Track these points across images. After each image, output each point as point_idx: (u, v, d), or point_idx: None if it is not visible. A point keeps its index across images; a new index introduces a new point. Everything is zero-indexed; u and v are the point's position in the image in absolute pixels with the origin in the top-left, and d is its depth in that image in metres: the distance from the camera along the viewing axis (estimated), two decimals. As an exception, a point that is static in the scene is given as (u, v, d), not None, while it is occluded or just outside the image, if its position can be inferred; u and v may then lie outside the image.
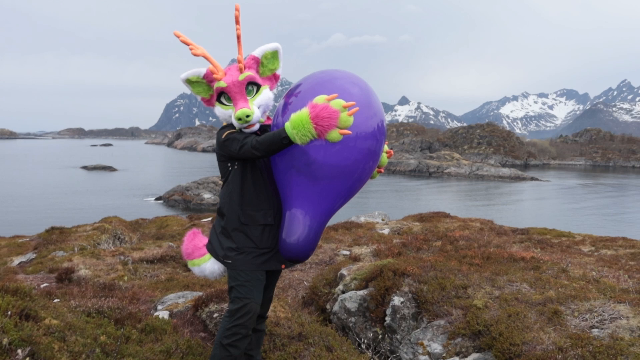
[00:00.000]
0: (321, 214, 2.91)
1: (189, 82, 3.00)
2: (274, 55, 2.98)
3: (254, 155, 2.76)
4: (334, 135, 2.57)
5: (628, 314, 3.77)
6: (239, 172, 2.94)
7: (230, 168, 2.96)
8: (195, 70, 2.96)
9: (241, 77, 2.86)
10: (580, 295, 4.25)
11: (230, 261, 2.95)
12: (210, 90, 2.99)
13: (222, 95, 2.92)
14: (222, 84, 2.87)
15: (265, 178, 2.98)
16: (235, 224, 2.95)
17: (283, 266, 3.06)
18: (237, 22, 2.82)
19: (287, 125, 2.60)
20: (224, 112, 2.94)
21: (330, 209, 2.93)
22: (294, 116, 2.58)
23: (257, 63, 2.94)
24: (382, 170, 3.21)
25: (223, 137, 2.90)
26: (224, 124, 3.01)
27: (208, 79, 2.95)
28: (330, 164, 2.76)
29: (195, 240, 3.20)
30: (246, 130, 2.89)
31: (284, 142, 2.64)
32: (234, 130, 2.91)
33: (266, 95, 2.94)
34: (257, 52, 2.95)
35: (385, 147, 3.16)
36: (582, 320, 3.82)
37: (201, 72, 2.95)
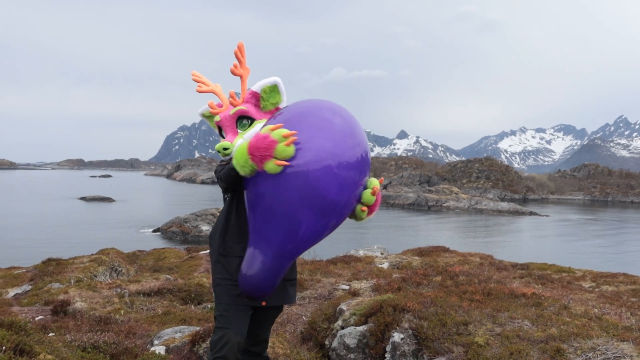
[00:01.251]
0: (277, 250, 2.75)
1: (204, 116, 3.15)
2: (274, 89, 2.98)
3: (221, 186, 2.89)
4: (270, 166, 2.54)
5: (632, 353, 3.72)
6: (228, 204, 3.00)
7: (225, 198, 3.05)
8: (206, 106, 3.09)
9: (232, 111, 2.93)
10: (582, 333, 4.20)
11: (214, 290, 2.98)
12: None
13: (221, 129, 3.01)
14: (217, 117, 2.97)
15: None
16: (215, 255, 2.99)
17: (264, 303, 2.97)
18: (238, 59, 2.95)
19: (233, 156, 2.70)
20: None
21: (291, 245, 2.75)
22: (239, 146, 2.67)
23: (256, 98, 2.96)
24: (366, 209, 2.93)
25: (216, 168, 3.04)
26: None
27: (212, 114, 3.04)
28: (277, 198, 2.63)
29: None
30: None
31: (232, 173, 2.71)
32: (223, 162, 3.00)
33: (258, 128, 2.90)
34: (256, 87, 2.98)
35: (375, 182, 2.95)
36: (585, 359, 3.76)
37: (207, 108, 3.06)
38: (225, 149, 2.83)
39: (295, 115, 2.79)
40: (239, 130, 2.92)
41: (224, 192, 3.02)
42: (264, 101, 2.97)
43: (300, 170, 2.58)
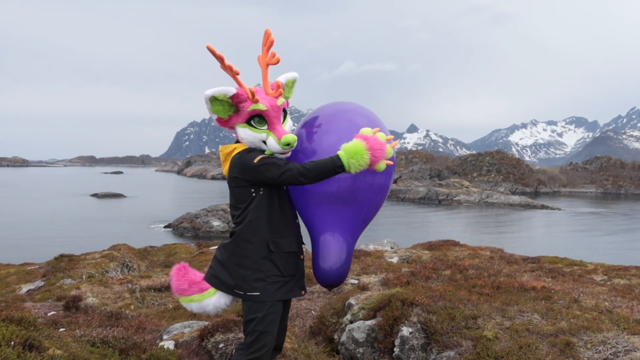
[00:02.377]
0: (354, 237, 3.09)
1: (215, 99, 2.82)
2: (293, 84, 3.06)
3: (299, 182, 2.75)
4: (382, 165, 2.75)
5: (643, 346, 3.68)
6: (266, 198, 2.87)
7: (254, 194, 2.86)
8: (224, 88, 2.80)
9: (279, 101, 2.89)
10: (593, 327, 4.16)
11: (257, 293, 2.84)
12: (230, 111, 2.86)
13: (254, 119, 2.85)
14: (261, 106, 2.82)
15: (287, 205, 2.98)
16: (263, 252, 2.86)
17: (303, 292, 3.04)
18: (268, 47, 2.92)
19: (342, 154, 2.69)
20: (254, 136, 2.86)
21: (361, 231, 3.13)
22: (348, 146, 2.70)
23: (280, 89, 2.95)
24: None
25: (256, 161, 2.80)
26: (242, 147, 2.93)
27: (236, 100, 2.81)
28: (371, 190, 3.01)
29: (189, 274, 3.05)
30: (281, 156, 2.91)
31: (338, 171, 2.71)
32: (267, 155, 2.85)
33: (289, 122, 3.00)
34: (283, 78, 2.98)
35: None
36: (595, 353, 3.73)
37: (230, 91, 2.79)
38: (294, 141, 2.86)
39: (325, 116, 3.07)
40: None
41: (255, 189, 2.86)
42: (284, 94, 2.99)
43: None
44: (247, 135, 2.87)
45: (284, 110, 2.95)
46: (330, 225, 3.00)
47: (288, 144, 2.82)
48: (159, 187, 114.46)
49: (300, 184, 2.77)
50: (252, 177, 2.82)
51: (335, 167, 2.69)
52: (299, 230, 3.06)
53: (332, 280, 3.06)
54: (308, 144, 2.98)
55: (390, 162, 2.80)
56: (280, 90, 2.91)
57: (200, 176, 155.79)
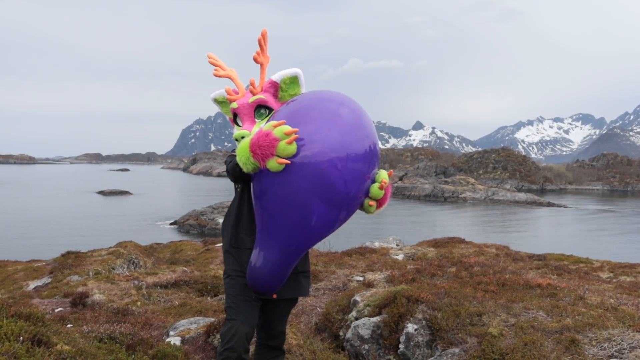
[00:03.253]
0: (282, 246, 2.72)
1: (216, 101, 3.09)
2: (294, 80, 2.96)
3: (230, 179, 2.86)
4: (272, 164, 2.50)
5: (648, 343, 3.68)
6: (239, 194, 2.98)
7: (237, 188, 3.01)
8: (222, 90, 3.04)
9: (251, 99, 2.91)
10: (598, 324, 4.16)
11: (224, 282, 2.99)
12: None
13: (237, 117, 2.97)
14: (234, 104, 2.94)
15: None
16: (227, 245, 2.98)
17: (274, 296, 2.95)
18: (260, 47, 2.92)
19: (237, 150, 2.66)
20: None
21: (295, 240, 2.71)
22: (240, 142, 2.64)
23: (275, 87, 2.94)
24: (374, 204, 2.82)
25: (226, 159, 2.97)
26: None
27: (229, 100, 3.00)
28: (275, 199, 2.62)
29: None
30: None
31: (236, 169, 2.67)
32: (234, 153, 2.88)
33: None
34: (276, 77, 2.96)
35: (383, 175, 2.82)
36: (600, 350, 3.73)
37: (224, 93, 3.02)
38: (242, 137, 2.82)
39: (302, 107, 2.75)
40: (256, 120, 2.91)
41: (237, 184, 3.00)
42: (282, 92, 2.95)
43: (307, 162, 2.55)
44: (234, 132, 3.00)
45: (266, 107, 2.92)
46: (260, 228, 2.77)
47: (236, 140, 2.87)
48: (165, 184, 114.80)
49: (231, 180, 2.89)
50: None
51: (235, 163, 2.69)
52: None
53: (251, 284, 2.83)
54: None
55: (284, 161, 2.48)
56: (256, 89, 2.91)
57: (206, 173, 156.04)
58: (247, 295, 2.90)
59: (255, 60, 2.96)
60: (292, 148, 2.50)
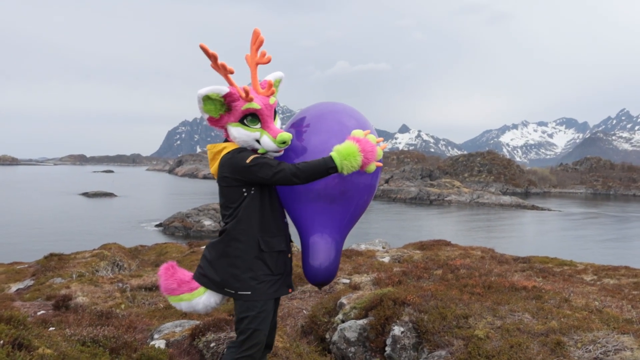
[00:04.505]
0: (342, 236, 3.13)
1: (208, 98, 2.80)
2: (279, 83, 3.05)
3: (292, 182, 2.77)
4: (372, 167, 2.84)
5: (632, 346, 3.71)
6: (257, 198, 2.86)
7: (245, 194, 2.85)
8: (217, 87, 2.78)
9: (272, 100, 2.90)
10: (583, 326, 4.19)
11: (249, 292, 2.85)
12: (222, 110, 2.84)
13: (247, 117, 2.83)
14: (255, 105, 2.80)
15: (276, 205, 2.98)
16: (254, 251, 2.86)
17: (290, 290, 3.07)
18: (258, 46, 2.89)
19: (335, 155, 2.73)
20: (247, 134, 2.84)
21: (349, 229, 3.16)
22: (341, 148, 2.75)
23: (271, 87, 2.96)
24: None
25: (248, 161, 2.78)
26: (232, 146, 2.90)
27: (229, 99, 2.79)
28: (359, 189, 3.04)
29: (177, 274, 3.04)
30: (274, 154, 2.93)
31: (330, 172, 2.75)
32: (259, 155, 2.85)
33: (279, 121, 3.02)
34: (271, 77, 3.00)
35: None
36: (586, 352, 3.75)
37: (223, 90, 2.77)
38: (287, 140, 2.87)
39: (313, 117, 3.10)
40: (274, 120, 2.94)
41: (246, 188, 2.85)
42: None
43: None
44: (241, 134, 2.85)
45: (275, 109, 2.96)
46: (319, 224, 3.03)
47: (284, 142, 2.84)
48: (150, 186, 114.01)
49: (292, 184, 2.79)
50: (243, 177, 2.81)
51: (327, 168, 2.73)
52: (287, 229, 3.07)
53: (322, 279, 3.10)
54: (298, 142, 2.99)
55: (380, 164, 2.89)
56: (273, 89, 2.93)
57: (192, 175, 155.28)
58: (272, 303, 2.97)
59: (261, 62, 2.93)
60: (382, 153, 2.92)
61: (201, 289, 2.97)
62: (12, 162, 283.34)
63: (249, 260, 2.85)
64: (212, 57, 2.72)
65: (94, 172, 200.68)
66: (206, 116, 2.87)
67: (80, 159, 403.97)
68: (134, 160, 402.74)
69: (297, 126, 3.08)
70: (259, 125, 2.84)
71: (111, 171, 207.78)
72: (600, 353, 3.69)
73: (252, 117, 2.83)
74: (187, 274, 3.05)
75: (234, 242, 2.86)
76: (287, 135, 2.84)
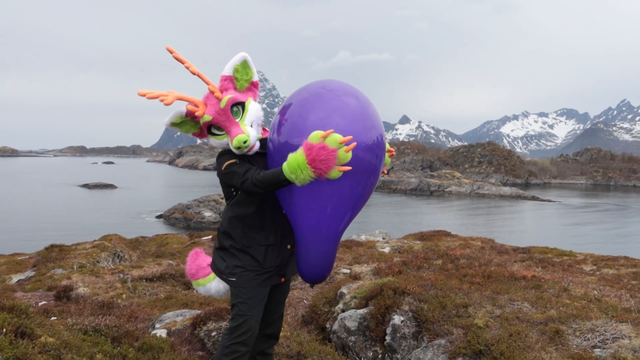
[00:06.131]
0: (332, 236, 2.91)
1: (174, 124, 2.89)
2: (244, 65, 2.89)
3: (255, 191, 2.74)
4: (334, 174, 2.52)
5: (630, 334, 3.73)
6: (244, 197, 2.92)
7: (234, 192, 2.95)
8: (176, 112, 2.83)
9: (222, 103, 2.77)
10: (582, 315, 4.21)
11: (234, 278, 2.94)
12: (198, 125, 2.91)
13: (212, 127, 2.85)
14: (207, 117, 2.78)
15: (267, 201, 2.94)
16: (239, 245, 2.95)
17: (282, 279, 3.07)
18: (182, 61, 2.74)
19: (285, 168, 2.55)
20: (219, 142, 2.88)
21: (340, 230, 2.92)
22: (290, 159, 2.53)
23: (232, 80, 2.86)
24: (386, 172, 3.11)
25: (223, 168, 2.84)
26: (220, 150, 2.95)
27: (191, 117, 2.84)
28: (337, 196, 2.73)
29: (199, 260, 3.18)
30: (248, 153, 2.84)
31: (284, 184, 2.63)
32: (233, 160, 2.83)
33: (253, 109, 2.88)
34: (227, 70, 2.86)
35: (387, 146, 3.00)
36: (584, 340, 3.78)
37: (182, 111, 2.82)
38: (244, 142, 2.73)
39: (310, 96, 2.78)
40: (236, 120, 2.80)
41: (234, 189, 2.92)
42: (238, 81, 2.88)
43: None
44: (215, 143, 2.91)
45: (238, 104, 2.83)
46: (311, 221, 2.85)
47: (238, 147, 2.75)
48: (151, 177, 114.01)
49: (256, 193, 2.78)
50: (224, 181, 2.91)
51: (280, 180, 2.60)
52: (283, 221, 2.99)
53: (316, 277, 3.04)
54: (277, 135, 2.78)
55: (346, 168, 2.52)
56: (216, 93, 2.78)
57: (192, 167, 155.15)
58: (262, 291, 2.97)
59: (197, 72, 2.78)
60: (349, 155, 2.52)
61: (212, 274, 3.09)
62: (12, 153, 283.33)
63: (237, 252, 2.96)
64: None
65: (94, 163, 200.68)
66: (189, 134, 2.96)
67: (81, 151, 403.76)
68: (134, 151, 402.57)
69: (288, 113, 2.81)
70: (224, 132, 2.84)
71: (111, 162, 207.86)
72: (599, 341, 3.72)
73: (214, 126, 2.85)
74: (207, 260, 3.18)
75: (225, 236, 3.01)
76: (237, 141, 2.73)
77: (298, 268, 3.04)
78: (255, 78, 2.96)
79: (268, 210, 2.96)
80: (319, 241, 2.89)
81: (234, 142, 2.73)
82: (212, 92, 2.79)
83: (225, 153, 2.90)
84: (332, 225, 2.85)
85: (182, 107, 2.81)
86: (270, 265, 2.97)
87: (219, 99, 2.78)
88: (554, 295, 5.04)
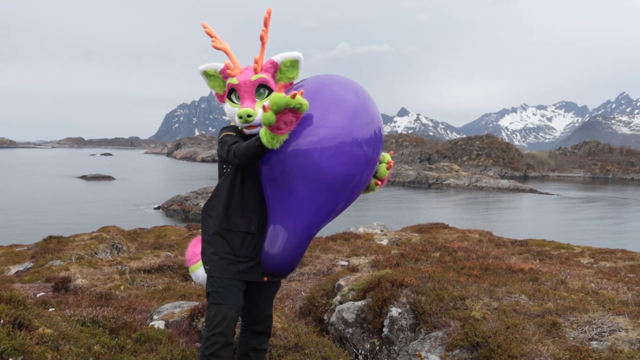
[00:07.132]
0: (303, 227, 2.76)
1: (206, 74, 2.97)
2: (294, 64, 2.92)
3: (234, 162, 2.73)
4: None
5: (627, 326, 3.74)
6: (231, 176, 2.89)
7: (225, 170, 2.93)
8: (214, 63, 2.94)
9: (254, 77, 2.81)
10: (579, 307, 4.22)
11: (207, 266, 2.90)
12: (224, 86, 2.94)
13: (233, 93, 2.88)
14: (234, 80, 2.83)
15: (256, 186, 2.90)
16: (216, 227, 2.89)
17: (265, 279, 2.95)
18: (265, 25, 2.83)
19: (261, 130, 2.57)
20: (231, 110, 2.88)
21: (315, 222, 2.78)
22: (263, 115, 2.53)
23: (275, 68, 2.89)
24: (380, 183, 3.01)
25: (220, 137, 2.89)
26: (232, 123, 2.98)
27: (224, 74, 2.91)
28: (306, 172, 2.63)
29: (196, 247, 3.21)
30: (248, 131, 2.84)
31: (259, 150, 2.60)
32: (230, 132, 2.87)
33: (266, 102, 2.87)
34: (277, 58, 2.90)
35: (387, 157, 3.01)
36: (581, 332, 3.79)
37: (219, 66, 2.91)
38: (249, 115, 2.72)
39: (309, 90, 2.74)
40: (256, 99, 2.82)
41: (226, 165, 2.92)
42: (281, 74, 2.91)
43: (313, 148, 2.59)
44: (227, 109, 2.93)
45: (266, 87, 2.84)
46: (275, 213, 2.77)
47: (240, 117, 2.74)
48: (149, 169, 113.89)
49: (236, 164, 2.77)
50: (218, 154, 2.93)
51: (257, 145, 2.59)
52: (266, 214, 2.93)
53: (272, 269, 2.83)
54: None
55: (289, 126, 2.53)
56: (256, 66, 2.83)
57: (190, 158, 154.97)
58: (234, 279, 2.86)
59: (262, 38, 2.86)
60: (306, 103, 2.50)
61: (200, 261, 3.11)
62: (10, 145, 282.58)
63: (211, 236, 2.91)
64: (211, 37, 2.86)
65: (92, 155, 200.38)
66: (214, 92, 3.00)
67: (78, 142, 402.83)
68: (132, 143, 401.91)
69: None
70: (240, 102, 2.86)
71: (109, 154, 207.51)
72: (596, 334, 3.73)
73: (236, 94, 2.87)
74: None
75: (205, 217, 2.98)
76: (243, 111, 2.73)
77: (262, 255, 2.84)
78: (296, 82, 2.98)
79: (254, 195, 2.90)
80: (292, 230, 2.75)
81: (240, 111, 2.75)
82: (227, 67, 2.86)
83: (230, 126, 2.96)
84: (309, 215, 2.75)
85: (220, 63, 2.92)
86: (244, 254, 2.87)
87: (231, 75, 2.84)
88: (551, 288, 5.06)
